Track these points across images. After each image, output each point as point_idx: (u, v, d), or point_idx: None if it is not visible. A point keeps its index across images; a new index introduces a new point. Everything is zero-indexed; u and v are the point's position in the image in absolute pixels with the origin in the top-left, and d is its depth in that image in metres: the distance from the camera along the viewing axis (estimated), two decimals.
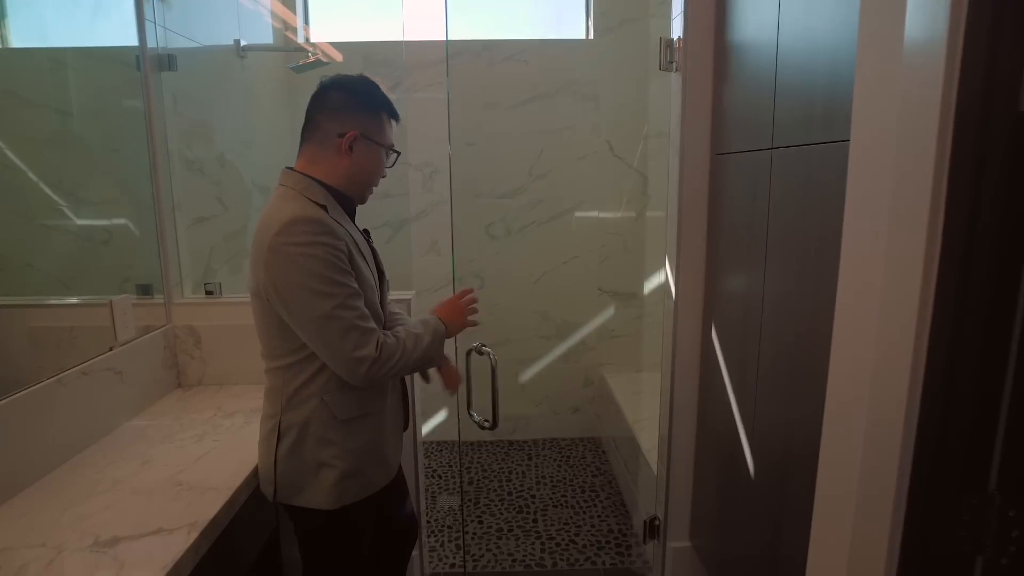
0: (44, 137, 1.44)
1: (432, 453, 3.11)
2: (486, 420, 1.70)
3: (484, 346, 1.71)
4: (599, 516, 2.50)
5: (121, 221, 1.73)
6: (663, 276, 1.95)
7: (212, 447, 1.42)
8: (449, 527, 2.44)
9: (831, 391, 0.94)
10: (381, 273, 1.35)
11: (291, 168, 1.24)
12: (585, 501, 2.62)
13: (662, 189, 2.04)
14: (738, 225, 1.60)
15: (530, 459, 3.04)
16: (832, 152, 1.11)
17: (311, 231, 1.12)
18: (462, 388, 1.52)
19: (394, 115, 1.29)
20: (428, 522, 2.48)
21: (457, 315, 1.38)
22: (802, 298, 1.24)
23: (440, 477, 2.86)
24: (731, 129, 1.62)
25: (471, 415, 1.79)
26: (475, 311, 1.43)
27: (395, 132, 1.30)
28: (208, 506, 1.15)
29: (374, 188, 1.32)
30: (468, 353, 1.77)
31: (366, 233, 1.35)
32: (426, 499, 2.64)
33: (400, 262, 2.76)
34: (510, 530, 2.42)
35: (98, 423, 1.47)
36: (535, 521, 2.48)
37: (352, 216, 1.30)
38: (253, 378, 1.88)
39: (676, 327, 1.88)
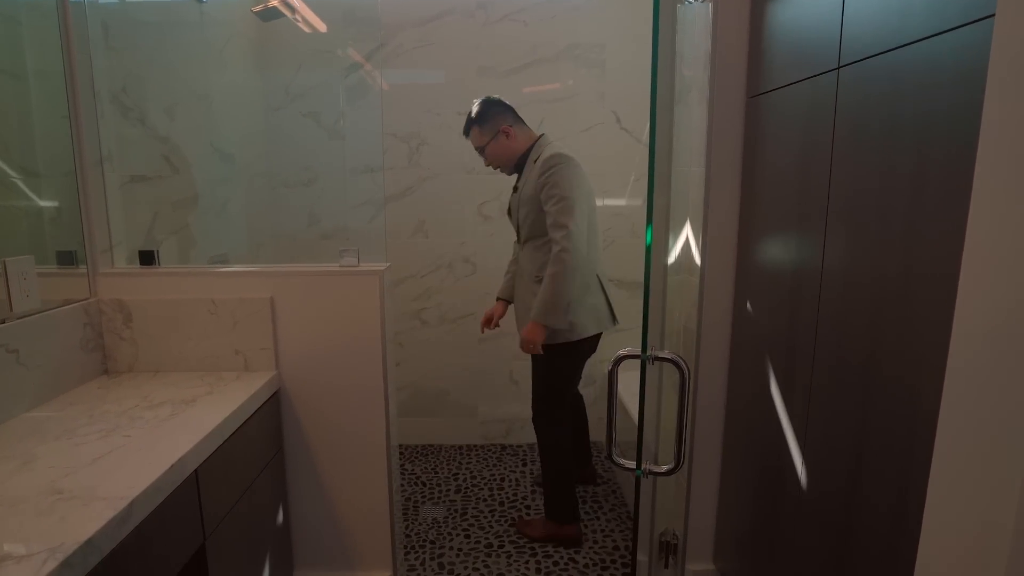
0: None
1: (416, 457, 2.80)
2: (652, 465, 1.11)
3: (657, 351, 1.10)
4: (602, 531, 2.19)
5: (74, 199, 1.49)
6: (677, 259, 1.65)
7: (118, 445, 1.10)
8: (432, 542, 2.13)
9: (951, 385, 0.62)
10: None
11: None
12: (587, 513, 2.31)
13: (674, 166, 1.74)
14: (785, 180, 1.30)
15: (525, 464, 2.73)
16: (941, 48, 0.82)
17: None
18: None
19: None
20: (407, 535, 2.16)
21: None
22: (884, 265, 0.95)
23: (424, 484, 2.55)
24: (776, 58, 1.33)
25: (616, 460, 1.13)
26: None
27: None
28: (87, 523, 0.85)
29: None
30: (616, 365, 1.12)
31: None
32: (406, 509, 2.33)
33: (383, 245, 2.46)
34: (501, 546, 2.11)
35: None
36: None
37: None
38: (194, 364, 1.57)
39: (701, 310, 1.58)
